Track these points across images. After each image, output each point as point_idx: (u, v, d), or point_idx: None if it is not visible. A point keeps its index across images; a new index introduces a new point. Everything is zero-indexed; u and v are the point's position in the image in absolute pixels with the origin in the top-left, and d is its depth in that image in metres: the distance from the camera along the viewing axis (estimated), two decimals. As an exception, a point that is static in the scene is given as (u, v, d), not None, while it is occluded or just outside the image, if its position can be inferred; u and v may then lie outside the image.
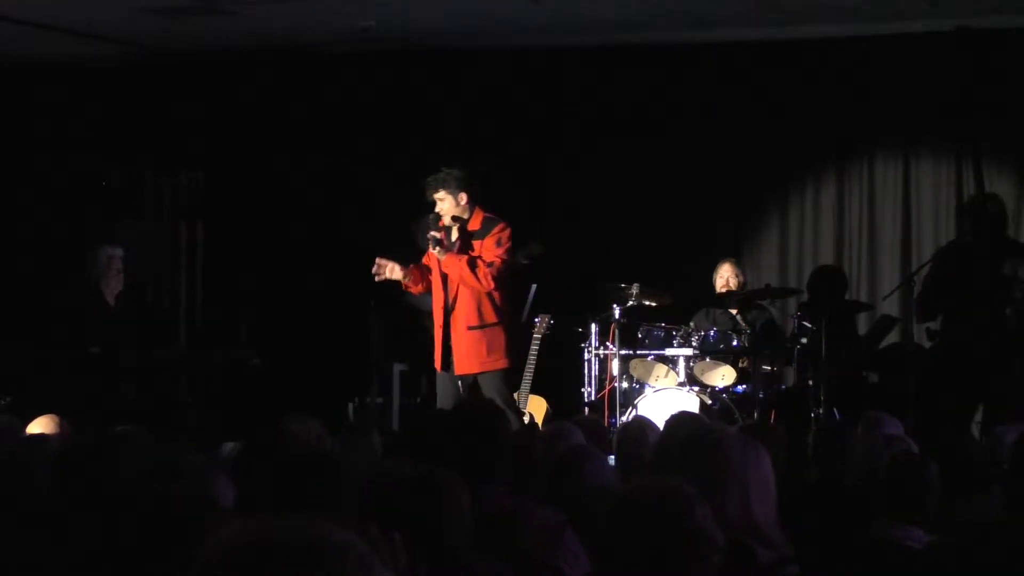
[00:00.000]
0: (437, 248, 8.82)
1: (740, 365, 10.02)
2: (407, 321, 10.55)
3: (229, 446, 5.96)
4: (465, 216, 8.91)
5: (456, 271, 8.82)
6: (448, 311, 8.89)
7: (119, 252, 10.12)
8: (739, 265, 10.71)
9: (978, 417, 9.03)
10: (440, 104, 11.94)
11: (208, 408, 10.06)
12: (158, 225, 11.40)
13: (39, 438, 5.53)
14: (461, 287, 8.85)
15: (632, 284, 9.89)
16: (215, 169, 11.96)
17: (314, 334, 11.65)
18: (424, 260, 9.05)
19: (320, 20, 10.83)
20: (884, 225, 11.44)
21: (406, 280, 8.95)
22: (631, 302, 9.91)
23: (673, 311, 10.28)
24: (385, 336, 10.49)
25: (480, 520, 3.78)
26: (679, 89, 11.58)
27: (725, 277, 10.47)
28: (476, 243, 8.89)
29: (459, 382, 8.88)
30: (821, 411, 9.36)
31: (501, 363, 8.88)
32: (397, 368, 10.64)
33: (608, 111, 11.68)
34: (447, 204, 8.88)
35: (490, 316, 8.87)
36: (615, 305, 9.86)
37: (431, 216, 8.95)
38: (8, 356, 9.82)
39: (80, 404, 8.63)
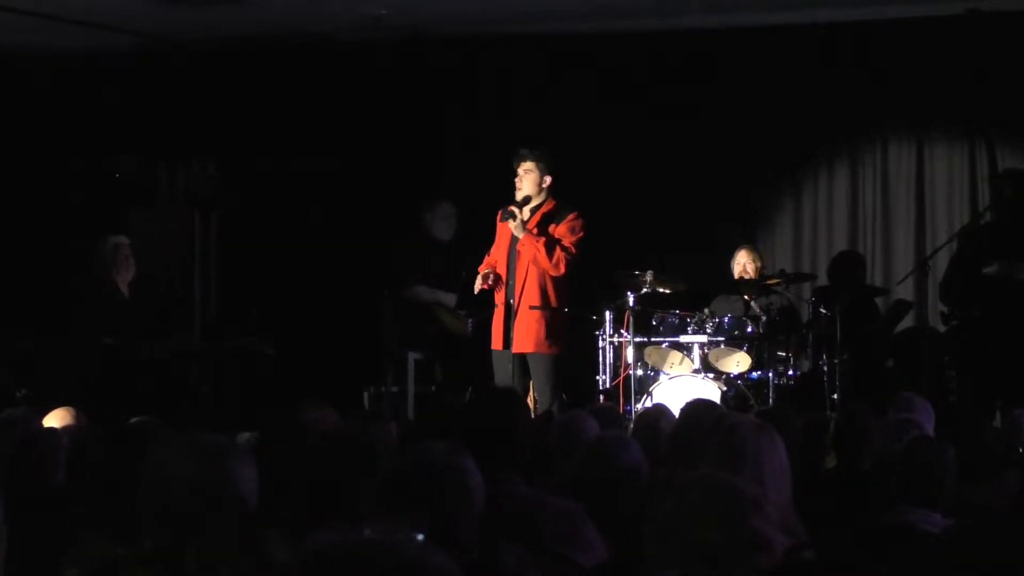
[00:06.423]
0: (513, 222, 8.85)
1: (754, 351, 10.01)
2: (421, 310, 10.55)
3: (244, 436, 5.95)
4: (541, 199, 8.96)
5: (531, 250, 8.87)
6: (512, 290, 8.96)
7: (125, 240, 10.11)
8: (756, 251, 10.68)
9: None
10: (452, 93, 11.93)
11: (223, 398, 10.07)
12: (171, 214, 11.39)
13: (56, 430, 5.55)
14: (531, 267, 8.92)
15: (646, 271, 9.87)
16: (228, 158, 11.95)
17: (328, 323, 11.65)
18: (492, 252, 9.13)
19: (332, 9, 10.82)
20: (898, 209, 11.42)
21: (495, 285, 9.03)
22: (645, 289, 9.88)
23: (687, 298, 10.26)
24: (399, 325, 10.48)
25: (495, 509, 3.78)
26: (692, 75, 11.55)
27: (742, 263, 10.43)
28: (551, 227, 8.96)
29: (514, 361, 8.95)
30: (836, 396, 9.36)
31: (556, 348, 9.02)
32: (412, 356, 10.63)
33: (621, 98, 11.65)
34: (530, 179, 8.97)
35: (553, 300, 8.96)
36: (629, 292, 9.84)
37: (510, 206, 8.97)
38: (24, 348, 9.83)
39: (95, 396, 8.64)
